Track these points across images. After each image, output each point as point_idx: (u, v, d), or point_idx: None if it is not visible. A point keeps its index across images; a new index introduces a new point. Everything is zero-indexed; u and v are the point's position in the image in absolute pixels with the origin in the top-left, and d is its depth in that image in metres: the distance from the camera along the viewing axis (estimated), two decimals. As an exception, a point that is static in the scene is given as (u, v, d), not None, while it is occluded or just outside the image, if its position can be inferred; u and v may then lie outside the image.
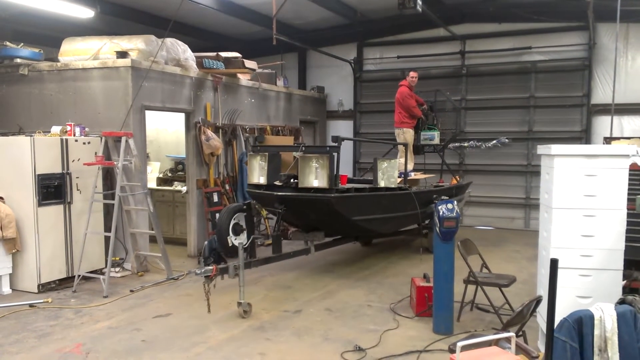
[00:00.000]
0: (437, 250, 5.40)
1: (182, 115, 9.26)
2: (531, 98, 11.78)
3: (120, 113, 7.73)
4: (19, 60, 8.37)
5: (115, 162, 7.26)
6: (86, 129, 7.43)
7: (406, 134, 9.72)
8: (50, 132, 7.18)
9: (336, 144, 6.60)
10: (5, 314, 5.85)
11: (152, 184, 10.25)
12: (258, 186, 6.99)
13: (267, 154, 6.99)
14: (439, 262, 5.38)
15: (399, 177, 8.10)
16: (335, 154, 6.48)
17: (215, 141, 9.22)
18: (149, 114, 8.36)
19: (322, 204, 6.50)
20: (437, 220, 5.30)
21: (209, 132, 9.23)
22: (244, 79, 10.40)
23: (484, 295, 5.59)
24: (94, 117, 7.83)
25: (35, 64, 8.40)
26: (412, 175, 9.11)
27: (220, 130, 9.67)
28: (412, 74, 9.81)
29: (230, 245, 6.46)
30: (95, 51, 8.22)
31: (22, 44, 8.65)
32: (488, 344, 3.31)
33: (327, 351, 4.92)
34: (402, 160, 9.20)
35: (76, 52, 8.36)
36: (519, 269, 7.90)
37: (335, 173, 6.46)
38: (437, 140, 10.01)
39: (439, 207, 5.34)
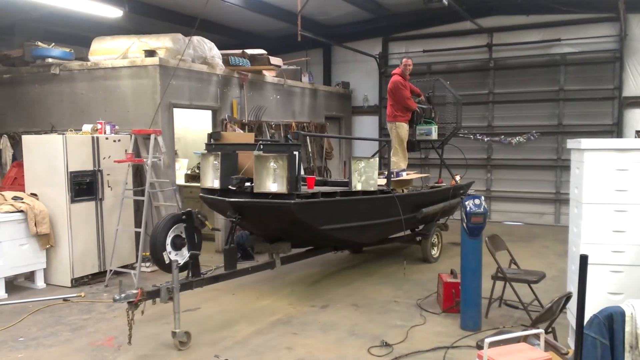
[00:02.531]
0: (465, 246, 5.36)
1: (209, 113, 9.36)
2: (561, 91, 11.56)
3: (149, 111, 7.86)
4: (50, 60, 8.58)
5: (144, 159, 7.39)
6: (116, 127, 7.57)
7: (399, 129, 8.76)
8: (81, 130, 7.34)
9: (297, 142, 5.73)
10: (40, 308, 6.03)
11: (180, 180, 10.40)
12: (212, 191, 5.99)
13: (219, 153, 5.90)
14: (467, 258, 5.33)
15: (384, 177, 7.22)
16: (296, 153, 5.45)
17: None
18: (176, 111, 8.48)
19: (281, 212, 5.53)
20: (465, 216, 5.26)
21: (235, 129, 9.31)
22: (269, 75, 10.47)
23: (513, 292, 5.53)
24: (124, 115, 7.98)
25: (66, 63, 8.59)
26: (404, 176, 8.03)
27: (246, 127, 9.75)
28: (405, 61, 8.90)
29: (167, 262, 5.29)
30: (124, 50, 8.37)
31: (53, 43, 8.87)
32: (516, 340, 3.28)
33: (354, 346, 4.94)
34: (394, 158, 8.57)
35: (105, 51, 8.52)
36: (549, 264, 7.78)
37: (296, 175, 5.45)
38: (434, 136, 9.12)
39: (466, 203, 5.29)
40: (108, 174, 7.26)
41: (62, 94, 8.56)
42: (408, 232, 7.78)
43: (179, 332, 4.83)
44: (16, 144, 8.70)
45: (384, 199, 6.74)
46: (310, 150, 11.47)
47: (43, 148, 6.93)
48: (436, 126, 9.11)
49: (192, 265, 5.32)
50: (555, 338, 4.10)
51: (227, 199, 5.71)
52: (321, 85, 12.91)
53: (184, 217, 5.37)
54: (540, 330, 3.27)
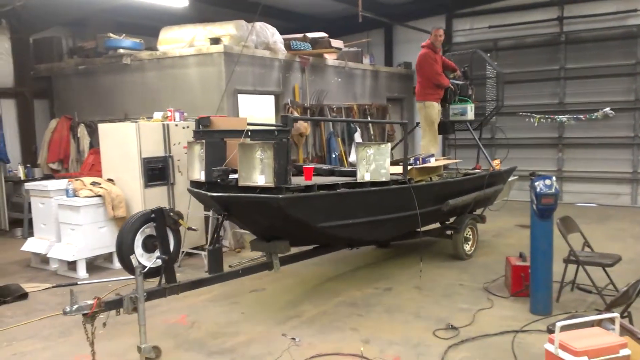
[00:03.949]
0: (535, 228, 5.20)
1: (272, 98, 9.49)
2: (638, 65, 10.87)
3: (215, 97, 8.08)
4: (121, 51, 8.97)
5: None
6: (185, 113, 7.83)
7: (429, 109, 7.84)
8: (152, 117, 7.65)
9: (286, 127, 4.77)
10: (118, 287, 6.38)
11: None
12: (200, 184, 5.30)
13: (203, 141, 5.21)
14: (537, 241, 5.17)
15: (410, 164, 6.35)
16: (283, 141, 4.65)
17: (303, 122, 9.39)
18: (241, 97, 8.66)
19: (269, 208, 4.82)
20: (534, 197, 5.09)
21: (296, 114, 9.40)
22: (330, 58, 10.47)
23: (586, 275, 5.32)
24: (192, 102, 8.24)
25: (136, 53, 8.96)
26: (431, 162, 6.86)
27: (308, 111, 9.83)
28: (435, 31, 7.86)
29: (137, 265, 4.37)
30: (190, 39, 8.62)
31: (124, 34, 9.25)
32: (590, 324, 3.18)
33: (419, 328, 4.93)
34: (423, 142, 7.98)
35: (173, 40, 8.81)
36: (624, 247, 7.41)
37: (285, 166, 4.65)
38: (470, 116, 8.03)
39: (536, 184, 5.12)
40: (178, 160, 7.53)
41: (134, 83, 8.94)
42: (436, 225, 7.40)
43: (146, 347, 4.20)
44: (92, 132, 9.21)
45: (397, 190, 5.81)
46: (372, 132, 11.42)
47: (117, 136, 7.28)
48: (473, 105, 8.11)
49: (165, 269, 4.65)
50: (631, 322, 3.93)
51: (209, 194, 5.04)
52: (382, 67, 12.77)
53: (152, 215, 4.69)
54: (616, 315, 3.15)
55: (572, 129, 11.56)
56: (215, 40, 8.32)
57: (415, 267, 6.84)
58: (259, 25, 8.89)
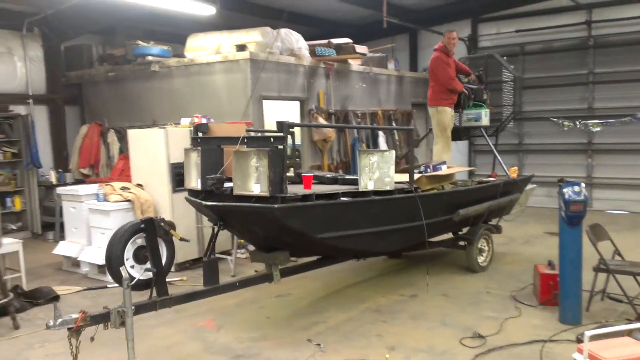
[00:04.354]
0: (564, 235, 5.12)
1: (296, 104, 9.55)
2: (670, 68, 10.63)
3: (240, 104, 8.18)
4: (150, 58, 9.14)
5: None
6: (211, 119, 7.92)
7: (442, 115, 7.62)
8: (180, 123, 7.77)
9: (281, 134, 4.51)
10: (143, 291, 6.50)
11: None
12: (197, 193, 5.05)
13: (199, 148, 4.95)
14: (566, 248, 5.09)
15: (420, 171, 6.21)
16: (279, 148, 4.43)
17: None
18: (266, 103, 8.73)
19: (264, 218, 4.62)
20: (563, 204, 5.02)
21: (320, 119, 9.45)
22: (355, 64, 10.49)
23: (616, 284, 5.21)
24: (218, 108, 8.35)
25: (164, 60, 9.12)
26: (443, 170, 6.59)
27: (333, 117, 9.86)
28: (448, 34, 7.68)
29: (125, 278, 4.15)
30: (216, 46, 8.74)
31: (152, 42, 9.43)
32: (620, 334, 3.12)
33: (445, 336, 4.90)
34: (436, 148, 7.75)
35: (200, 47, 8.95)
36: (658, 256, 7.23)
37: (280, 174, 4.44)
38: (485, 121, 7.84)
39: (565, 190, 5.05)
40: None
41: (162, 89, 9.10)
42: (461, 233, 7.10)
43: None
44: (122, 138, 9.40)
45: (403, 199, 5.54)
46: (397, 138, 11.39)
47: (146, 141, 7.41)
48: (487, 110, 7.89)
49: (156, 282, 4.45)
50: (665, 335, 3.84)
51: (203, 202, 4.85)
52: (407, 72, 12.73)
53: (142, 225, 4.49)
54: (648, 326, 3.09)
55: (602, 135, 11.36)
56: (241, 47, 8.42)
57: (440, 275, 6.80)
58: (284, 31, 8.97)
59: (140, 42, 9.34)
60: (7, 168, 9.31)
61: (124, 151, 9.29)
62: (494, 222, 7.63)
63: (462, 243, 7.03)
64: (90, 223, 7.14)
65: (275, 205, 4.44)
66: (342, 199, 5.02)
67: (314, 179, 5.61)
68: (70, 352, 3.77)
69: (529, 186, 8.18)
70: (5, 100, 9.40)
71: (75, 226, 7.46)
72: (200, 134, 5.27)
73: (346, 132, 10.21)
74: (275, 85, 8.76)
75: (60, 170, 9.82)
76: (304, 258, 5.89)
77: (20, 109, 9.63)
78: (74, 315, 3.85)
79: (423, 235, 5.82)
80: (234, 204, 4.66)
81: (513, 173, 7.52)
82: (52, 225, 9.31)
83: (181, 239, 4.79)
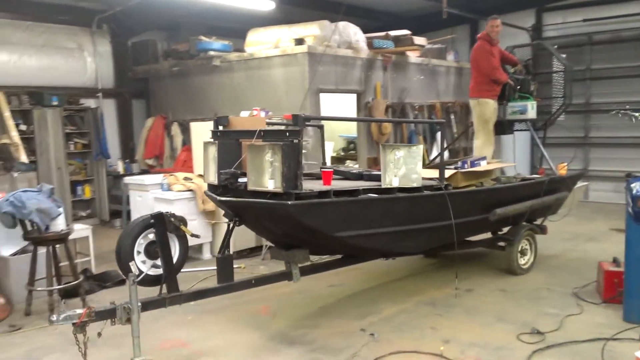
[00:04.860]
0: (630, 232, 4.91)
1: (353, 96, 9.58)
2: None
3: (298, 97, 8.29)
4: (212, 53, 9.40)
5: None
6: (270, 112, 8.09)
7: (483, 107, 7.27)
8: (239, 116, 7.96)
9: (297, 127, 4.35)
10: (207, 277, 6.70)
11: (328, 162, 10.80)
12: (215, 187, 4.93)
13: (216, 142, 4.87)
14: (632, 245, 4.88)
15: (456, 167, 5.88)
16: (294, 142, 4.20)
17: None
18: (323, 96, 8.81)
19: (278, 215, 4.48)
20: (630, 200, 4.82)
21: (378, 112, 9.43)
22: (413, 56, 10.39)
23: (688, 285, 4.95)
24: (276, 101, 8.50)
25: (225, 55, 9.37)
26: (481, 165, 6.20)
27: (390, 109, 9.82)
28: (491, 22, 7.31)
29: (138, 273, 4.25)
30: (275, 40, 8.89)
31: (214, 37, 9.69)
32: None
33: (501, 331, 4.82)
34: (477, 142, 7.39)
35: (259, 42, 9.13)
36: None
37: (295, 170, 4.22)
38: (532, 114, 7.34)
39: (632, 186, 4.83)
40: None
41: (223, 83, 9.36)
42: (488, 235, 6.68)
43: None
44: (185, 130, 9.74)
45: (430, 197, 5.17)
46: (455, 130, 11.20)
47: (208, 134, 7.59)
48: (535, 102, 7.39)
49: (167, 278, 4.36)
50: None
51: (218, 198, 4.75)
52: (467, 63, 12.41)
53: (152, 221, 4.39)
54: None
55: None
56: (300, 41, 8.53)
57: (497, 271, 6.66)
58: (342, 24, 9.00)
59: (202, 38, 9.62)
60: (78, 158, 9.84)
61: (186, 143, 9.63)
62: (538, 222, 7.06)
63: (502, 243, 6.64)
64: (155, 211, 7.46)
65: (289, 202, 4.23)
66: (362, 196, 4.72)
67: (338, 175, 5.52)
68: (78, 348, 3.77)
69: (580, 184, 7.59)
70: (76, 94, 9.93)
71: (141, 214, 7.80)
72: (220, 127, 5.12)
73: (403, 125, 10.14)
74: (332, 78, 8.81)
75: (127, 160, 10.31)
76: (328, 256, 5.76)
77: (90, 103, 10.15)
78: (79, 311, 3.83)
79: (459, 234, 5.39)
80: (247, 199, 4.49)
81: (562, 170, 6.98)
82: (119, 213, 9.78)
83: (192, 235, 4.66)
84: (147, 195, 7.61)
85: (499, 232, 6.98)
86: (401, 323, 5.08)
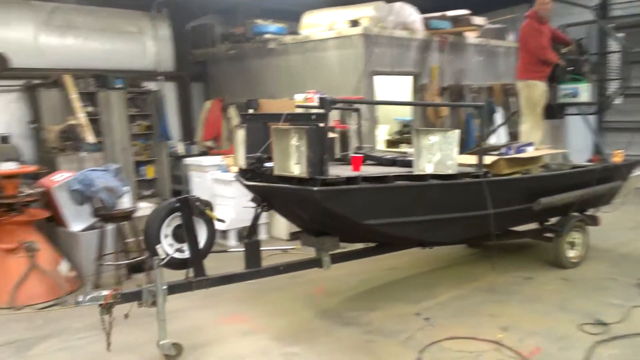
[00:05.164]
0: None
1: (408, 78, 9.45)
2: None
3: (352, 79, 8.26)
4: (267, 36, 9.47)
5: (349, 126, 7.80)
6: (324, 95, 8.10)
7: (531, 90, 6.91)
8: (294, 99, 8.02)
9: (323, 111, 4.26)
10: (264, 257, 6.83)
11: (380, 146, 10.74)
12: (245, 172, 4.83)
13: (245, 126, 4.83)
14: None
15: (500, 153, 5.63)
16: (320, 127, 4.14)
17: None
18: (377, 78, 8.74)
19: (305, 201, 4.38)
20: None
21: (434, 94, 9.27)
22: (471, 36, 10.12)
23: None
24: (330, 83, 8.50)
25: (280, 38, 9.42)
26: (528, 152, 5.90)
27: (446, 91, 9.63)
28: None
29: (165, 256, 4.26)
30: (330, 22, 8.86)
31: (269, 20, 9.75)
32: None
33: (563, 321, 4.71)
34: (524, 127, 7.05)
35: (314, 24, 9.13)
36: None
37: (321, 155, 4.11)
38: (585, 97, 6.97)
39: None
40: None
41: (278, 66, 9.43)
42: (546, 224, 6.28)
43: (165, 344, 4.05)
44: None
45: (466, 185, 4.94)
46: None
47: (264, 116, 7.75)
48: (588, 84, 6.98)
49: (193, 262, 4.39)
50: None
51: (245, 182, 4.72)
52: (528, 44, 12.00)
53: (177, 204, 4.39)
54: None
55: None
56: (354, 23, 8.46)
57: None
58: (398, 5, 8.86)
59: (258, 21, 9.70)
60: (141, 139, 10.18)
61: (243, 125, 9.76)
62: (590, 212, 6.66)
63: (549, 235, 6.30)
64: (214, 192, 7.67)
65: (314, 188, 4.12)
66: (392, 183, 4.55)
67: (370, 160, 5.41)
68: (103, 328, 3.86)
69: (637, 172, 7.09)
70: (138, 77, 10.23)
71: (201, 195, 8.02)
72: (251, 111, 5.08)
73: (459, 108, 9.94)
74: (387, 59, 8.72)
75: (187, 142, 10.60)
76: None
77: (151, 85, 10.45)
78: (104, 292, 3.92)
79: (500, 224, 5.25)
80: (272, 185, 4.43)
81: (617, 157, 6.56)
82: (180, 192, 10.09)
83: (218, 220, 4.66)
84: (206, 176, 7.83)
85: (547, 223, 6.60)
86: (457, 309, 5.05)
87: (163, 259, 4.17)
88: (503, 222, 5.59)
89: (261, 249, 6.75)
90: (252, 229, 4.86)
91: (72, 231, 6.23)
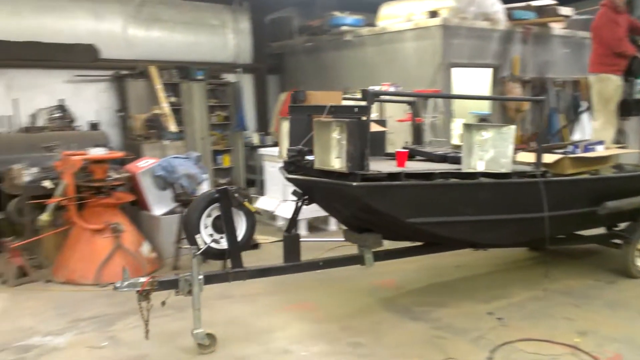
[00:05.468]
0: None
1: (488, 71, 9.16)
2: None
3: (428, 71, 8.12)
4: (344, 28, 9.50)
5: (423, 119, 7.68)
6: (400, 87, 8.03)
7: (604, 84, 6.50)
8: (317, 91, 7.94)
9: (365, 103, 4.07)
10: (333, 247, 6.87)
11: (455, 140, 10.49)
12: (289, 164, 4.71)
13: (290, 118, 4.73)
14: None
15: (566, 152, 5.24)
16: (361, 120, 3.97)
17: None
18: (455, 70, 8.53)
19: (344, 197, 4.27)
20: None
21: (515, 88, 8.93)
22: (556, 27, 9.63)
23: None
24: (406, 76, 8.40)
25: (357, 30, 9.41)
26: (598, 150, 5.46)
27: (528, 85, 9.25)
28: None
29: (203, 246, 4.28)
30: (408, 13, 8.74)
31: (347, 12, 9.77)
32: None
33: (647, 329, 4.44)
34: (596, 124, 6.61)
35: (391, 15, 9.05)
36: None
37: (361, 149, 3.95)
38: None
39: None
40: (391, 133, 7.76)
41: (354, 58, 9.44)
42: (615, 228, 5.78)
43: (199, 333, 4.07)
44: (315, 105, 9.97)
45: (521, 185, 4.64)
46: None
47: (338, 108, 7.77)
48: None
49: (231, 253, 4.37)
50: None
51: (286, 175, 4.65)
52: (620, 35, 11.27)
53: (216, 195, 4.40)
54: None
55: None
56: (433, 14, 8.30)
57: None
58: (480, -5, 8.59)
59: (336, 13, 9.74)
60: (219, 129, 10.55)
61: (317, 117, 9.86)
62: None
63: (617, 241, 5.84)
64: (286, 182, 7.78)
65: (354, 184, 3.99)
66: (437, 180, 4.33)
67: (420, 156, 5.20)
68: (141, 315, 3.93)
69: None
70: (218, 69, 10.58)
71: (274, 184, 8.23)
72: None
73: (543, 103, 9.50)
74: (466, 51, 8.49)
75: (262, 133, 10.86)
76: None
77: (230, 77, 10.78)
78: (142, 279, 3.98)
79: (560, 228, 4.95)
80: (312, 178, 4.33)
81: None
82: (254, 181, 10.39)
83: (255, 212, 4.63)
84: (279, 167, 7.95)
85: (615, 229, 6.11)
86: (532, 310, 4.87)
87: (200, 248, 4.19)
88: (563, 226, 5.30)
89: (329, 239, 6.87)
90: (292, 222, 4.82)
91: (154, 215, 6.57)
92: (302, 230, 7.61)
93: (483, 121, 10.80)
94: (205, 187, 6.21)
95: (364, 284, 5.62)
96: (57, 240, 6.10)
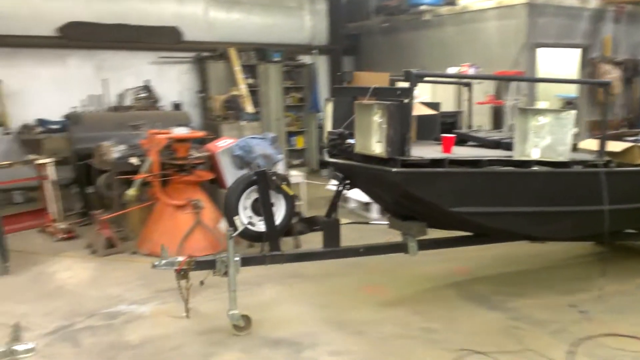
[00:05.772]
0: None
1: (576, 52, 8.65)
2: None
3: (511, 52, 7.78)
4: (423, 7, 9.27)
5: (504, 101, 7.40)
6: (480, 68, 7.75)
7: None
8: (364, 72, 7.74)
9: (408, 85, 3.84)
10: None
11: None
12: (331, 147, 4.65)
13: (334, 99, 4.62)
14: None
15: (636, 139, 4.85)
16: (403, 103, 3.80)
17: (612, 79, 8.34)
18: (540, 51, 8.13)
19: (385, 183, 4.10)
20: None
21: (607, 68, 8.38)
22: (656, 4, 8.92)
23: None
24: (487, 56, 8.11)
25: (436, 9, 9.15)
26: None
27: (620, 66, 8.66)
28: None
29: (241, 227, 4.21)
30: (491, -9, 8.39)
31: (426, -9, 9.51)
32: None
33: None
34: None
35: (473, -6, 8.71)
36: None
37: (403, 134, 3.79)
38: None
39: None
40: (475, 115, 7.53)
41: (432, 38, 9.22)
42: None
43: (234, 315, 4.06)
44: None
45: (578, 175, 4.35)
46: None
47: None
48: None
49: (268, 236, 4.37)
50: None
51: (327, 159, 4.57)
52: None
53: (254, 177, 4.40)
54: None
55: None
56: (519, -9, 7.91)
57: None
58: (574, -29, 8.10)
59: (414, -8, 9.52)
60: (293, 111, 10.67)
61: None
62: None
63: None
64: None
65: (393, 169, 3.84)
66: (484, 168, 4.10)
67: (472, 141, 4.94)
68: (180, 293, 4.05)
69: None
70: (294, 51, 10.67)
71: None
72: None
73: (635, 84, 8.87)
74: (552, 31, 8.05)
75: (335, 114, 10.84)
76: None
77: (305, 59, 10.84)
78: (180, 258, 4.05)
79: (621, 222, 4.60)
80: (352, 162, 4.24)
81: None
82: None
83: (292, 195, 4.61)
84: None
85: None
86: (617, 304, 4.62)
87: (236, 230, 4.16)
88: (625, 220, 4.91)
89: (375, 222, 6.54)
90: (332, 207, 4.67)
91: (231, 193, 6.74)
92: (374, 213, 7.59)
93: (568, 105, 10.26)
94: (280, 167, 6.30)
95: (439, 269, 5.54)
96: (142, 215, 6.42)
